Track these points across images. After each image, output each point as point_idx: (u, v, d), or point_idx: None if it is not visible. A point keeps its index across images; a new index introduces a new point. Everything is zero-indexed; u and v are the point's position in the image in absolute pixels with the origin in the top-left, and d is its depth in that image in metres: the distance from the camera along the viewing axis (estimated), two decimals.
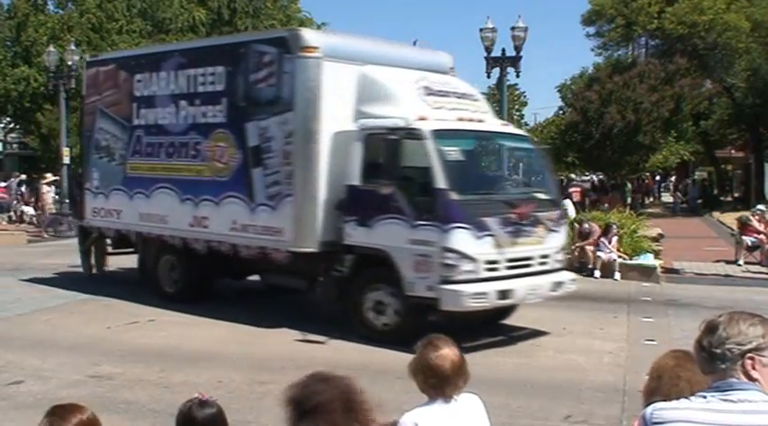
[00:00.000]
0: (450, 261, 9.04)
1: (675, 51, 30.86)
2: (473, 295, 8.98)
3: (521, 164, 11.11)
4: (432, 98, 10.35)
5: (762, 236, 16.91)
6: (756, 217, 17.56)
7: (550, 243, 10.05)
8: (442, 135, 9.52)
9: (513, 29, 20.68)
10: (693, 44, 31.50)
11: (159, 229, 12.40)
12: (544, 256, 9.91)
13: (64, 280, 14.54)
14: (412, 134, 9.48)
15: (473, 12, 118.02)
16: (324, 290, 10.51)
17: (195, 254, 11.89)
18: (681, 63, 29.12)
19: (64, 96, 24.96)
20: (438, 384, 3.17)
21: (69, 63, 24.93)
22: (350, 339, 9.72)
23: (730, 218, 23.64)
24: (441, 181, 9.18)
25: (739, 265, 16.37)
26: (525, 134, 12.20)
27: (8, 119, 35.83)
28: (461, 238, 9.09)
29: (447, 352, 3.19)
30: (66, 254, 18.55)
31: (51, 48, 25.52)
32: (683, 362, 2.80)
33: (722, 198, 39.56)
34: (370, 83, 10.32)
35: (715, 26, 30.38)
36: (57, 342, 9.67)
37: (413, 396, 3.35)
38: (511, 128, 11.87)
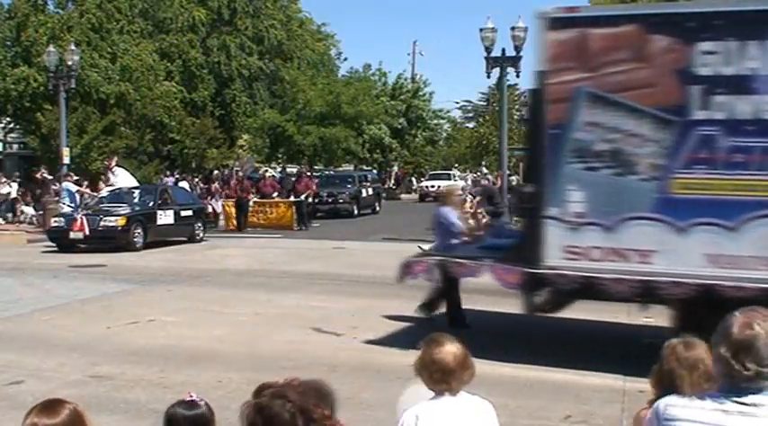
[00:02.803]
0: None
1: None
2: None
3: None
4: None
5: None
6: None
7: None
8: None
9: (513, 29, 20.75)
10: None
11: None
12: None
13: (64, 280, 14.55)
14: None
15: (473, 12, 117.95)
16: None
17: None
18: None
19: (64, 96, 24.97)
20: (443, 378, 3.23)
21: (69, 63, 24.96)
22: (350, 338, 9.74)
23: None
24: None
25: None
26: None
27: (8, 119, 35.83)
28: None
29: (450, 348, 3.28)
30: (66, 255, 18.59)
31: (51, 48, 25.53)
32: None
33: None
34: None
35: None
36: (57, 342, 9.66)
37: None
38: None
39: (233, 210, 26.11)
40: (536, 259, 8.68)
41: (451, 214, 10.53)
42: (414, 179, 57.02)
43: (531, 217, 9.13)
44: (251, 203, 26.38)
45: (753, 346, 2.30)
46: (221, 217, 26.89)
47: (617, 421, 6.86)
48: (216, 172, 35.96)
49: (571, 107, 8.56)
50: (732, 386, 2.34)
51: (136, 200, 21.12)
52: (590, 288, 8.62)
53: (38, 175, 28.30)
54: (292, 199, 27.08)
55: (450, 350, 3.26)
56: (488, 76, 21.73)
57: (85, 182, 26.15)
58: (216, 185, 28.46)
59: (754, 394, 2.33)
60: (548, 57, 8.77)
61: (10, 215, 27.93)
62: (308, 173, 32.06)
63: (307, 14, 48.87)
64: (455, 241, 10.37)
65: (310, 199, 28.13)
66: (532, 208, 8.98)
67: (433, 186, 47.00)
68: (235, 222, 25.82)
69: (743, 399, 2.33)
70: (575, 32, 8.68)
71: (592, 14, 9.25)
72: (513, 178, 29.62)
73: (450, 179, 48.58)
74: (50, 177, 27.35)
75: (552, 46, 8.75)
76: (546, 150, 8.73)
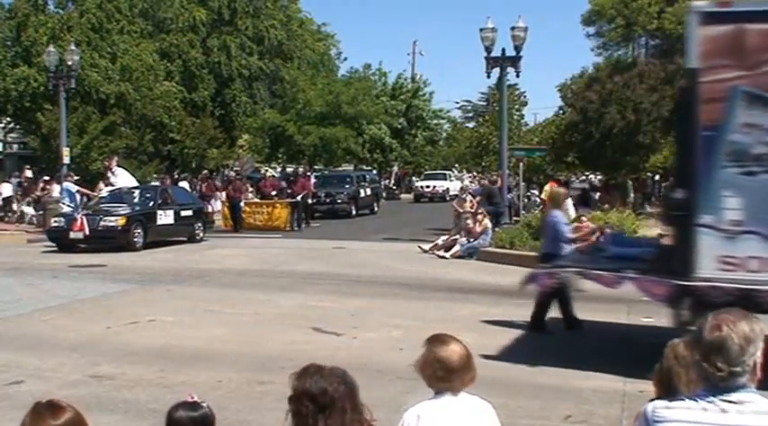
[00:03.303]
0: None
1: (675, 51, 30.92)
2: None
3: None
4: None
5: None
6: None
7: None
8: None
9: (513, 29, 20.76)
10: None
11: None
12: None
13: (64, 280, 14.55)
14: None
15: (473, 12, 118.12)
16: None
17: None
18: (681, 63, 29.08)
19: (64, 96, 24.97)
20: (447, 376, 3.24)
21: (69, 63, 24.96)
22: (350, 338, 9.74)
23: None
24: None
25: None
26: None
27: (8, 119, 35.85)
28: None
29: (455, 347, 3.29)
30: (66, 255, 18.58)
31: (51, 48, 25.53)
32: None
33: None
34: None
35: None
36: (57, 342, 9.66)
37: (412, 396, 3.37)
38: None
39: (227, 210, 26.33)
40: (687, 270, 7.97)
41: (560, 220, 10.13)
42: (414, 179, 57.07)
43: (681, 226, 8.39)
44: (242, 203, 26.47)
45: (723, 347, 2.36)
46: (218, 216, 26.95)
47: (617, 421, 6.86)
48: (205, 171, 35.83)
49: (727, 107, 7.87)
50: (712, 386, 2.38)
51: (136, 200, 21.13)
52: (746, 301, 7.67)
53: (22, 179, 28.39)
54: (289, 199, 27.12)
55: (456, 349, 3.27)
56: (488, 76, 21.75)
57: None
58: (210, 184, 28.47)
59: (735, 392, 2.37)
60: (700, 53, 8.02)
61: (6, 214, 27.91)
62: (306, 174, 32.07)
63: (307, 14, 48.91)
64: (566, 247, 9.95)
65: (309, 200, 28.14)
66: (683, 216, 8.22)
67: (428, 186, 46.97)
68: (231, 222, 25.97)
69: (727, 397, 2.37)
70: (730, 28, 8.00)
71: (748, 9, 8.38)
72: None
73: (446, 179, 48.52)
74: (46, 178, 27.36)
75: (705, 42, 8.01)
76: (699, 153, 7.97)
